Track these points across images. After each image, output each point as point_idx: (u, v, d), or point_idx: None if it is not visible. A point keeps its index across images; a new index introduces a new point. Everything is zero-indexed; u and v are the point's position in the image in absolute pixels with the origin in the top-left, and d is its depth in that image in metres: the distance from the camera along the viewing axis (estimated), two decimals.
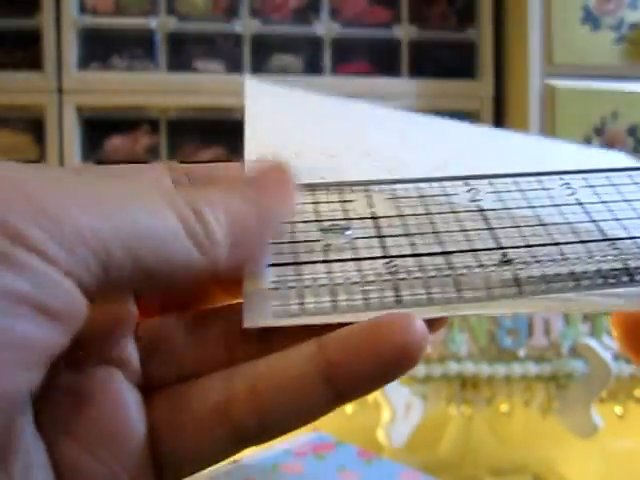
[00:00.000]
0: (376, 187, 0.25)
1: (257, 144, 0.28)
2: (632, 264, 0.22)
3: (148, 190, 0.19)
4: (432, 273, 0.22)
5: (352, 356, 0.19)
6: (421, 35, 1.26)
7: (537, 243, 0.23)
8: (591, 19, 1.17)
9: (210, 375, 0.20)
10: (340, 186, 0.25)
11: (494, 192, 0.26)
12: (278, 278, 0.21)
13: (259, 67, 1.21)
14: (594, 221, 0.24)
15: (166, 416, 0.19)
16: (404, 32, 1.24)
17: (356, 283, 0.21)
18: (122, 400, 0.19)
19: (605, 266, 0.22)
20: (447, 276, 0.22)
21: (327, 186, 0.25)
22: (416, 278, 0.22)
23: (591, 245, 0.23)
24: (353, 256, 0.22)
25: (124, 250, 0.17)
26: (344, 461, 0.47)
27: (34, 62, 1.16)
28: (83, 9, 1.18)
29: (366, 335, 0.19)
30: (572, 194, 0.26)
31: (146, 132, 1.22)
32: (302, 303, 0.21)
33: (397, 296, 0.21)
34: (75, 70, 1.16)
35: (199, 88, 1.17)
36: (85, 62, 1.18)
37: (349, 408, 0.61)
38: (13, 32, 1.18)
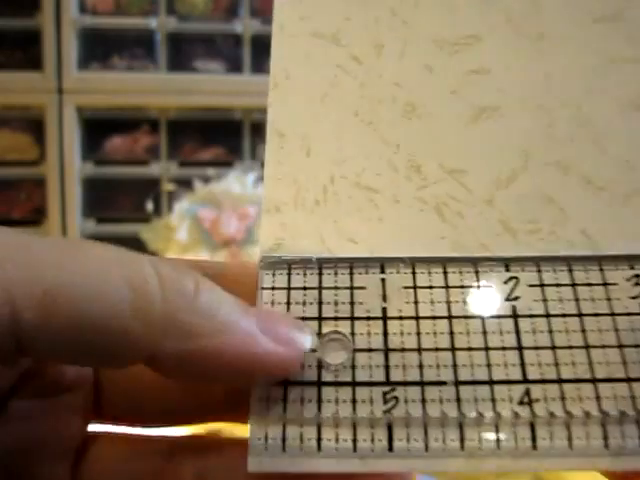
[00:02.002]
0: (393, 268, 0.20)
1: (281, 125, 0.23)
2: None
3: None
4: (435, 413, 0.18)
5: None
6: None
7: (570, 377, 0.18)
8: None
9: None
10: (352, 264, 0.20)
11: (539, 285, 0.20)
12: (267, 393, 0.18)
13: (259, 67, 1.21)
14: None
15: None
16: None
17: (346, 419, 0.18)
18: None
19: None
20: (453, 419, 0.18)
21: (336, 264, 0.20)
22: (415, 418, 0.18)
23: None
24: (350, 379, 0.18)
25: (63, 295, 0.15)
26: None
27: (34, 62, 1.16)
28: (83, 9, 1.18)
29: None
30: None
31: (146, 132, 1.22)
32: (301, 440, 0.18)
33: (389, 443, 0.18)
34: (75, 70, 1.16)
35: (199, 88, 1.17)
36: (85, 62, 1.18)
37: None
38: (13, 32, 1.18)
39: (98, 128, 1.19)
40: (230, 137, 1.21)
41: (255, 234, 1.05)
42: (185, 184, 1.13)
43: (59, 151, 1.15)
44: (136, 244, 1.08)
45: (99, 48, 1.20)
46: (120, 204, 1.21)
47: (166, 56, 1.20)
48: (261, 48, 1.22)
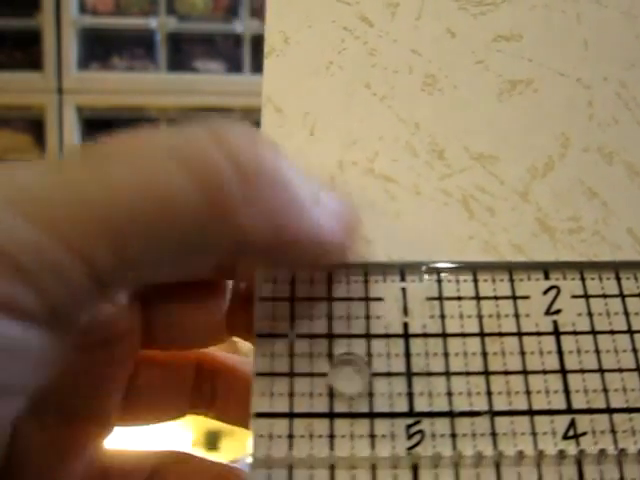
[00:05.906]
0: (415, 275, 0.17)
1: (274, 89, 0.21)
2: None
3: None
4: (468, 450, 0.15)
5: None
6: None
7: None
8: None
9: None
10: (367, 270, 0.17)
11: (584, 296, 0.17)
12: (268, 429, 0.15)
13: (259, 67, 1.21)
14: None
15: None
16: None
17: (364, 459, 0.15)
18: None
19: None
20: (489, 458, 0.15)
21: (348, 270, 0.17)
22: (444, 457, 0.15)
23: None
24: (367, 409, 0.15)
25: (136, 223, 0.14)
26: None
27: (34, 62, 1.16)
28: (83, 9, 1.18)
29: None
30: None
31: None
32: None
33: None
34: (75, 70, 1.16)
35: (199, 88, 1.17)
36: (85, 62, 1.18)
37: None
38: (13, 32, 1.18)
39: (98, 128, 1.19)
40: None
41: None
42: None
43: (59, 151, 1.15)
44: None
45: (99, 48, 1.20)
46: None
47: (166, 56, 1.20)
48: (261, 48, 1.22)
